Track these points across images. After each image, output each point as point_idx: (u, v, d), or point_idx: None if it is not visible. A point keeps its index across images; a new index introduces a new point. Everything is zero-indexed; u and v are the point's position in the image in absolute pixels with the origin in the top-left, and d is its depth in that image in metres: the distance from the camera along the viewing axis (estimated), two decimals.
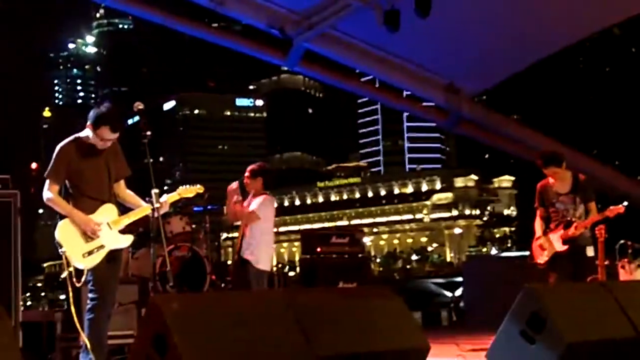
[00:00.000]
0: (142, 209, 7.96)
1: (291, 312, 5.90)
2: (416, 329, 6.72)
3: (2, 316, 5.28)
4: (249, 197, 10.51)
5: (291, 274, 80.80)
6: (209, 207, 13.73)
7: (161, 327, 5.32)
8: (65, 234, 7.51)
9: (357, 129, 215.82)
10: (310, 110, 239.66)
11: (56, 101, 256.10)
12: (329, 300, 6.44)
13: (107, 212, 7.72)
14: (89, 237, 7.53)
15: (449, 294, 34.57)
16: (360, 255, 15.96)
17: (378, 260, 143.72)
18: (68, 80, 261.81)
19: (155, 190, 7.99)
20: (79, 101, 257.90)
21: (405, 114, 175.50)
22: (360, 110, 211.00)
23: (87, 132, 7.76)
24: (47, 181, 7.65)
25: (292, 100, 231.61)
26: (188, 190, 8.63)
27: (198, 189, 8.69)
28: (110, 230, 7.67)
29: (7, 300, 9.39)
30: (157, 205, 7.93)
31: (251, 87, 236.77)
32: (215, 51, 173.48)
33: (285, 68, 15.81)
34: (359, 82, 17.97)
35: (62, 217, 7.63)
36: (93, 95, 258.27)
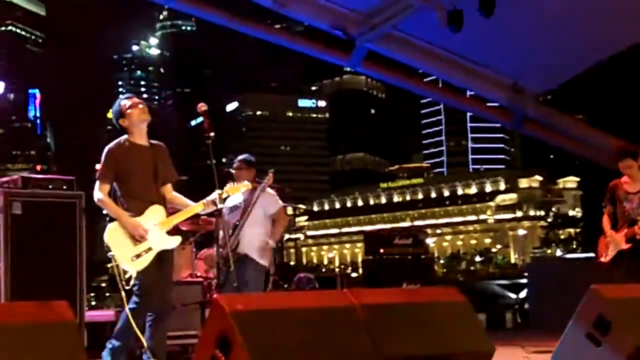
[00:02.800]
0: (191, 208, 8.02)
1: (357, 313, 5.88)
2: (481, 331, 6.66)
3: (68, 316, 5.32)
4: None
5: (353, 275, 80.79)
6: None
7: (225, 328, 5.33)
8: (114, 236, 7.61)
9: (420, 129, 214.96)
10: (372, 111, 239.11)
11: None
12: (395, 301, 6.40)
13: (155, 214, 7.79)
14: (137, 240, 7.61)
15: (513, 295, 34.31)
16: (423, 257, 15.90)
17: (441, 261, 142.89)
18: (131, 82, 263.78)
19: (218, 191, 8.04)
20: None
21: (469, 114, 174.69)
22: (423, 111, 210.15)
23: (124, 137, 8.01)
24: (97, 182, 7.79)
25: (354, 100, 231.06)
26: (235, 188, 8.60)
27: (245, 185, 8.64)
28: (158, 231, 7.72)
29: (72, 300, 9.49)
30: (221, 206, 7.99)
31: (313, 88, 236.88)
32: (278, 52, 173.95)
33: (348, 68, 15.80)
34: (422, 82, 17.88)
35: (112, 219, 7.71)
36: (156, 97, 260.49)
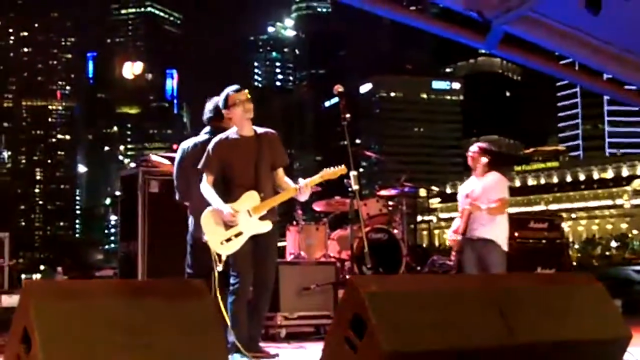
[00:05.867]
0: (283, 193, 8.18)
1: (490, 297, 5.85)
2: (618, 318, 6.56)
3: (205, 293, 5.47)
4: (476, 176, 10.42)
5: None
6: (405, 189, 13.73)
7: (359, 309, 5.37)
8: (208, 222, 7.93)
9: (555, 112, 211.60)
10: (507, 93, 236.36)
11: (255, 83, 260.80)
12: (530, 285, 6.36)
13: (248, 199, 8.02)
14: (229, 225, 7.88)
15: None
16: (558, 241, 15.67)
17: (576, 246, 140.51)
18: (267, 63, 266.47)
19: (353, 173, 8.10)
20: (278, 83, 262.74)
21: (606, 98, 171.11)
22: (559, 94, 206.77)
23: (233, 129, 8.24)
24: (204, 173, 8.11)
25: (489, 83, 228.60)
26: (330, 173, 8.56)
27: (341, 170, 8.57)
28: (250, 217, 7.97)
29: (207, 277, 9.67)
30: (356, 187, 8.06)
31: (448, 70, 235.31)
32: (412, 34, 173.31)
33: (483, 51, 15.66)
34: (558, 64, 17.59)
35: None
36: (291, 78, 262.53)
